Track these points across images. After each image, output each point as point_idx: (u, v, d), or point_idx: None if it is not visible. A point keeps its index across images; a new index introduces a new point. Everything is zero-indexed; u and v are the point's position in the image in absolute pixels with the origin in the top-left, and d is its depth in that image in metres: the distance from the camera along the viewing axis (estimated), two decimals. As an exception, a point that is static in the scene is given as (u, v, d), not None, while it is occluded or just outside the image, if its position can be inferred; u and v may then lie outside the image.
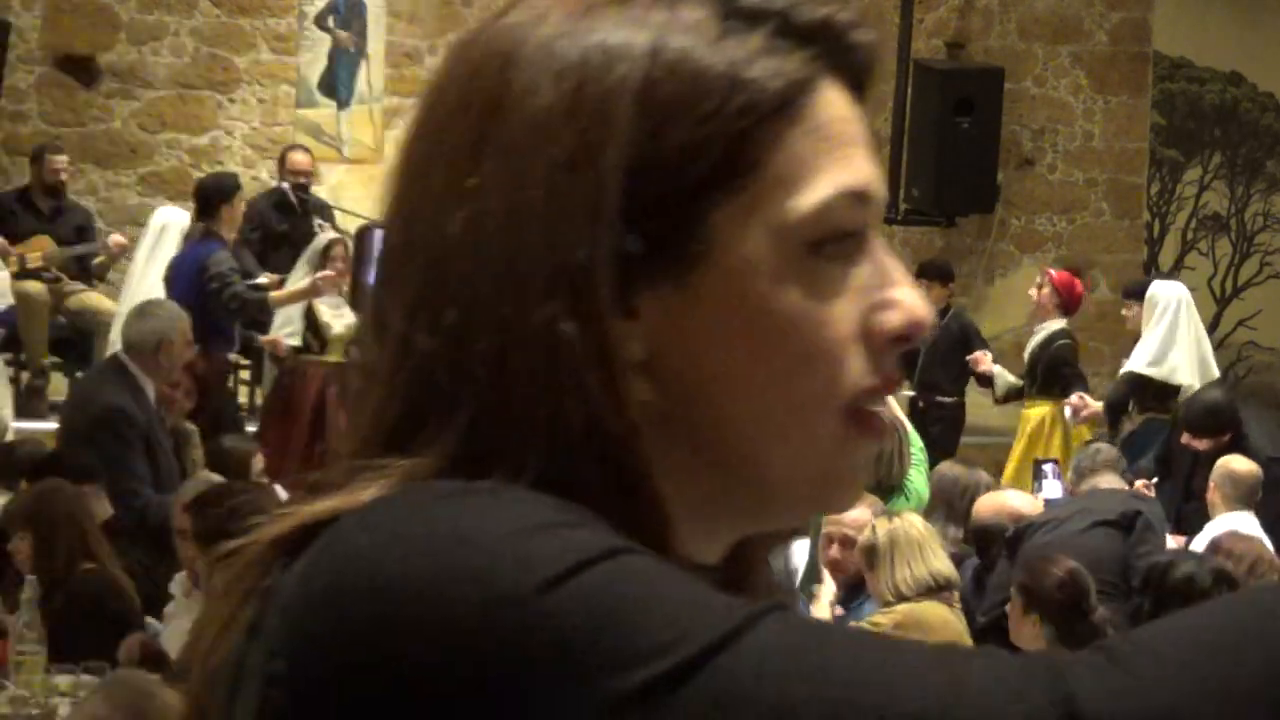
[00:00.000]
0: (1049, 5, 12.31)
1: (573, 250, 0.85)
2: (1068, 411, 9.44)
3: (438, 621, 0.75)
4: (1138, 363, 9.27)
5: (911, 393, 9.81)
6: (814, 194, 0.89)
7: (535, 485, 0.83)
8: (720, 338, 0.88)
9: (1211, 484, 7.30)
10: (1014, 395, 9.87)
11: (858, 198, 0.90)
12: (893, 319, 0.91)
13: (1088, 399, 9.42)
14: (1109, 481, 7.07)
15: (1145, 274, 12.27)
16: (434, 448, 0.85)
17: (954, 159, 11.57)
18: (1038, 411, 9.64)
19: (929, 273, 9.98)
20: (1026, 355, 9.77)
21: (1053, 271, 9.95)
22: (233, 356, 9.22)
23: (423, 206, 0.90)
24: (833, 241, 0.90)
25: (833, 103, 0.91)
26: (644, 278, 0.87)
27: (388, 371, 0.89)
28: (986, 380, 9.84)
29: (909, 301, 0.92)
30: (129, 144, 11.56)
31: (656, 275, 0.88)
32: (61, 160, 10.06)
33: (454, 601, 0.76)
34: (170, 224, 9.28)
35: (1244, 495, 7.17)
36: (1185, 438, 8.05)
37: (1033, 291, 9.81)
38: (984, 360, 9.77)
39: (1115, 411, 9.23)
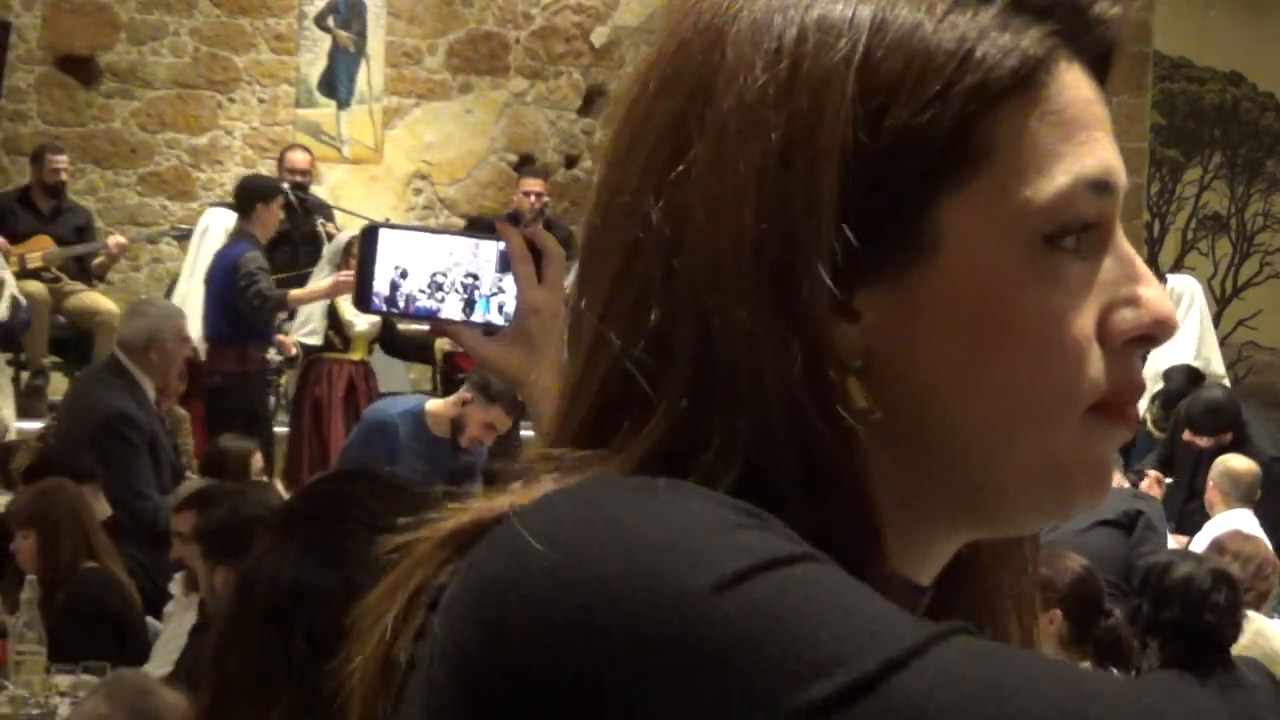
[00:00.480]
0: (1049, 5, 12.33)
1: (786, 244, 0.79)
2: None
3: (602, 621, 0.70)
4: (1187, 354, 9.31)
5: None
6: (1051, 183, 0.81)
7: (731, 492, 0.76)
8: (950, 339, 0.81)
9: (1210, 483, 7.30)
10: None
11: (1098, 187, 0.83)
12: (1135, 317, 0.84)
13: None
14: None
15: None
16: (625, 449, 0.80)
17: (954, 159, 11.59)
18: None
19: None
20: None
21: None
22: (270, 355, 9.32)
23: (622, 195, 0.83)
24: (1072, 234, 0.82)
25: (1072, 83, 0.83)
26: (862, 275, 0.80)
27: (580, 371, 0.84)
28: None
29: (1154, 299, 0.85)
30: (129, 144, 11.56)
31: (876, 272, 0.81)
32: (61, 160, 10.07)
33: (620, 600, 0.70)
34: (212, 225, 9.44)
35: (1243, 494, 7.17)
36: (1187, 435, 8.04)
37: None
38: None
39: (1173, 403, 9.27)
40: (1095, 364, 0.83)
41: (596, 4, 12.16)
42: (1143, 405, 9.22)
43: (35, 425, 8.66)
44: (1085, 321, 0.83)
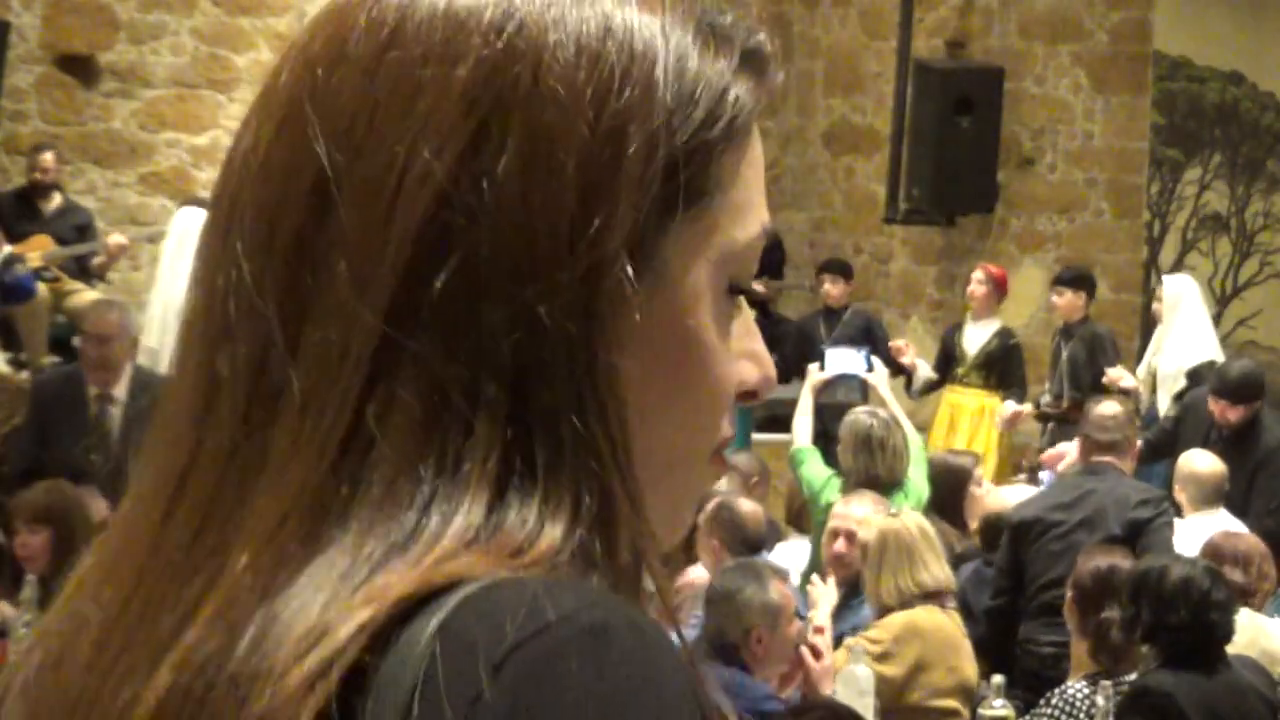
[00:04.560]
0: (1049, 5, 12.32)
1: (590, 252, 0.82)
2: (1001, 419, 9.61)
3: None
4: (1210, 351, 9.39)
5: (1047, 398, 9.82)
6: (749, 229, 0.87)
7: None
8: (651, 368, 0.83)
9: (1176, 485, 7.18)
10: (931, 389, 10.00)
11: (767, 234, 0.89)
12: (754, 373, 0.89)
13: (1020, 408, 9.65)
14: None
15: (1146, 273, 12.29)
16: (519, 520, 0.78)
17: (954, 159, 11.57)
18: (984, 403, 9.78)
19: (1072, 281, 9.91)
20: (976, 349, 9.88)
21: (991, 267, 10.12)
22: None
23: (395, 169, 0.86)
24: (744, 281, 0.88)
25: (758, 139, 0.89)
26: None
27: (355, 379, 0.80)
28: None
29: (768, 359, 0.91)
30: (129, 144, 11.56)
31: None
32: (46, 159, 10.07)
33: None
34: (191, 227, 9.28)
35: (1209, 495, 7.07)
36: (1219, 407, 7.91)
37: (976, 289, 9.96)
38: (1122, 379, 9.51)
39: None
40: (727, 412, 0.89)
41: (596, 4, 12.15)
42: (1163, 402, 9.21)
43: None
44: (734, 370, 0.88)
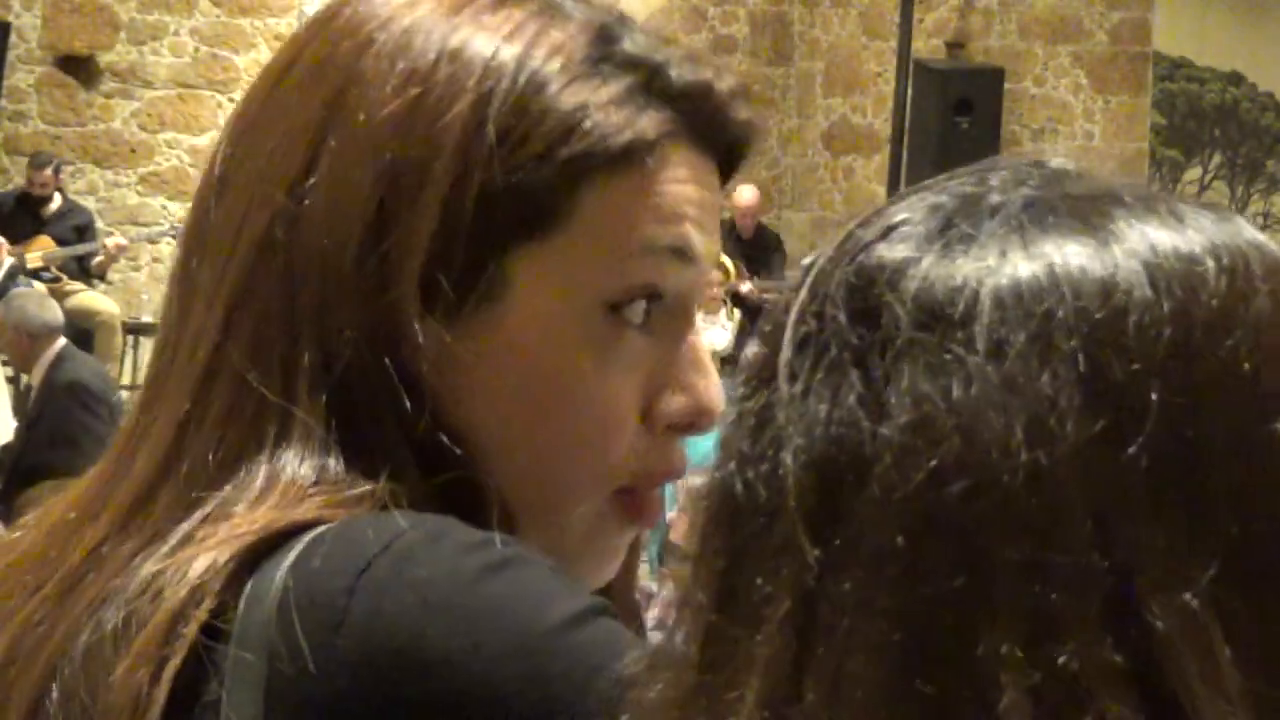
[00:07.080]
0: (1049, 5, 12.32)
1: (384, 262, 0.81)
2: None
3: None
4: None
5: None
6: (623, 248, 0.83)
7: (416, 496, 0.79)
8: (499, 392, 0.82)
9: None
10: None
11: (676, 252, 0.84)
12: (677, 404, 0.85)
13: None
14: None
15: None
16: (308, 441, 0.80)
17: (954, 159, 11.53)
18: None
19: None
20: None
21: None
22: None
23: (252, 182, 0.85)
24: (637, 300, 0.84)
25: (678, 170, 0.85)
26: (436, 305, 0.82)
27: (202, 383, 0.83)
28: None
29: (701, 389, 0.86)
30: (129, 144, 11.57)
31: (449, 306, 0.82)
32: (46, 175, 10.06)
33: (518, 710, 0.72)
34: None
35: None
36: None
37: None
38: None
39: None
40: (630, 444, 0.84)
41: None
42: None
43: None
44: (630, 398, 0.84)
